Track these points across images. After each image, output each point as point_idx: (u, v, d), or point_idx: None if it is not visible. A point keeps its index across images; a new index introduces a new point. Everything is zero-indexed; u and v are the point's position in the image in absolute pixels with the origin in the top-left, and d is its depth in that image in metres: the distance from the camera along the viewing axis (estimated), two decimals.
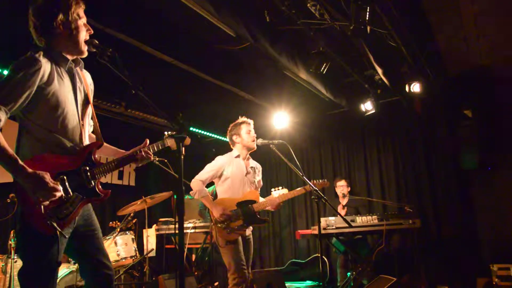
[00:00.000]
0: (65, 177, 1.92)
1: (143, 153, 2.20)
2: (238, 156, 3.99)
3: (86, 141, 2.14)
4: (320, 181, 4.14)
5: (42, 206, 1.83)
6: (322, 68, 5.17)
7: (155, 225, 5.95)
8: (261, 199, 3.99)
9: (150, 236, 5.57)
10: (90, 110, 2.19)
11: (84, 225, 2.09)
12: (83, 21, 2.04)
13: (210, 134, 8.16)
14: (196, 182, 3.86)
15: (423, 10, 4.68)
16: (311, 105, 7.31)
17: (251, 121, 4.08)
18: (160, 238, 6.01)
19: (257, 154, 4.26)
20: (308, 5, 4.06)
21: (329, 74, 5.50)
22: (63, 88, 1.99)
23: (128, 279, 5.43)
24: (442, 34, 5.24)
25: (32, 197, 1.81)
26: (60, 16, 1.96)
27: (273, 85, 6.46)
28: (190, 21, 4.19)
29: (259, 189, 4.16)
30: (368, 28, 4.20)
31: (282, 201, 3.95)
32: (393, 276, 4.54)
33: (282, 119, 7.17)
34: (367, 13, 3.99)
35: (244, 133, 3.98)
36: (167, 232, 5.74)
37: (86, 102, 2.15)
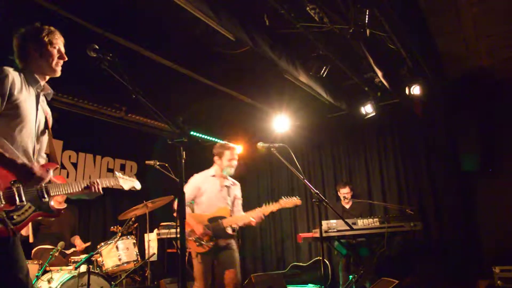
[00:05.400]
0: (20, 186, 2.01)
1: (94, 186, 2.31)
2: (213, 176, 4.21)
3: (40, 161, 2.23)
4: (291, 199, 3.99)
5: None
6: (322, 71, 5.18)
7: (156, 229, 5.94)
8: (240, 214, 4.13)
9: (151, 241, 5.56)
10: (46, 135, 2.29)
11: None
12: (56, 47, 2.24)
13: (211, 138, 8.15)
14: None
15: (422, 13, 4.69)
16: (311, 108, 7.30)
17: (237, 148, 4.32)
18: (161, 242, 6.00)
19: (258, 157, 4.28)
20: (308, 8, 4.07)
21: (329, 77, 5.50)
22: (27, 103, 2.10)
23: (130, 283, 5.43)
24: (442, 36, 5.25)
25: None
26: (33, 41, 2.21)
27: (273, 88, 6.46)
28: (189, 25, 4.20)
29: (239, 204, 4.31)
30: (368, 31, 4.20)
31: (262, 214, 3.98)
32: (395, 279, 4.54)
33: (282, 123, 7.17)
34: (367, 16, 4.01)
35: (226, 160, 4.18)
36: (168, 236, 5.73)
37: (44, 126, 2.25)
